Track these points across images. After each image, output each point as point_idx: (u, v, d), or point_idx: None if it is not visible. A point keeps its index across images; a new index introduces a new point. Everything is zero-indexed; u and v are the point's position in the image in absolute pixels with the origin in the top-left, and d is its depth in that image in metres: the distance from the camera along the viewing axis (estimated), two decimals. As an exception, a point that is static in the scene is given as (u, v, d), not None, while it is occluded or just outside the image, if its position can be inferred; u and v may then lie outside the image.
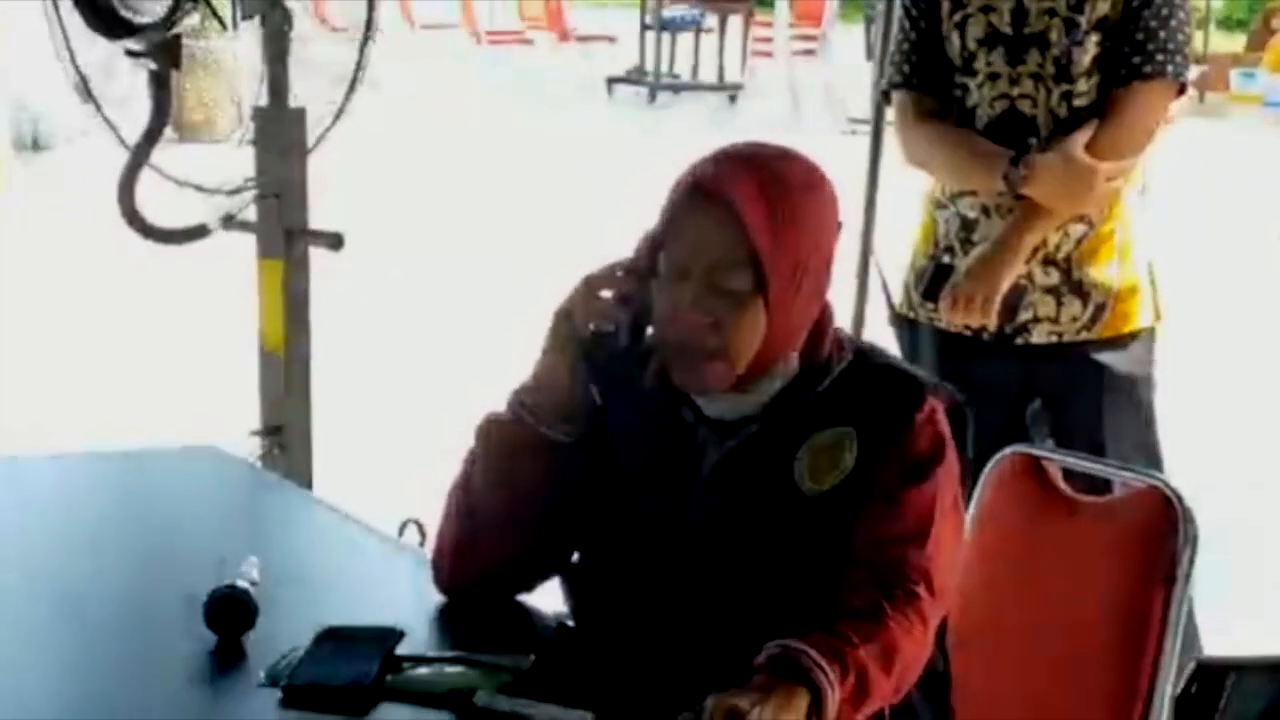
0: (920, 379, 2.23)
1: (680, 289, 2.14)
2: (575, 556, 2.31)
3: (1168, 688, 2.26)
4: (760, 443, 2.18)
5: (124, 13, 3.38)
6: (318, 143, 3.82)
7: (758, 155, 2.18)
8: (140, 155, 3.63)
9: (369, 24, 3.80)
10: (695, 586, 2.17)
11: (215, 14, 3.65)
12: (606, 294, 2.20)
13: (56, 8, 3.59)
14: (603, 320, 2.19)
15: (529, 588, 2.31)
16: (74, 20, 3.51)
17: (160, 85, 3.57)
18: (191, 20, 3.51)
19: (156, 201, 3.88)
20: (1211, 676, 1.34)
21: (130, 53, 3.54)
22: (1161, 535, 2.33)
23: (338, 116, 3.80)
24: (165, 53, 3.51)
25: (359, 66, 3.80)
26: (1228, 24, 20.20)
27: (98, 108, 3.74)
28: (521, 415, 2.23)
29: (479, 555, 2.25)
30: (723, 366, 2.14)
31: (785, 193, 2.13)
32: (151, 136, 3.62)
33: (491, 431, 2.25)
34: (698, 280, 2.13)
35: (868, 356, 2.25)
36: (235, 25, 3.56)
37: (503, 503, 2.24)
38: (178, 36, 3.52)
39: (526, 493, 2.23)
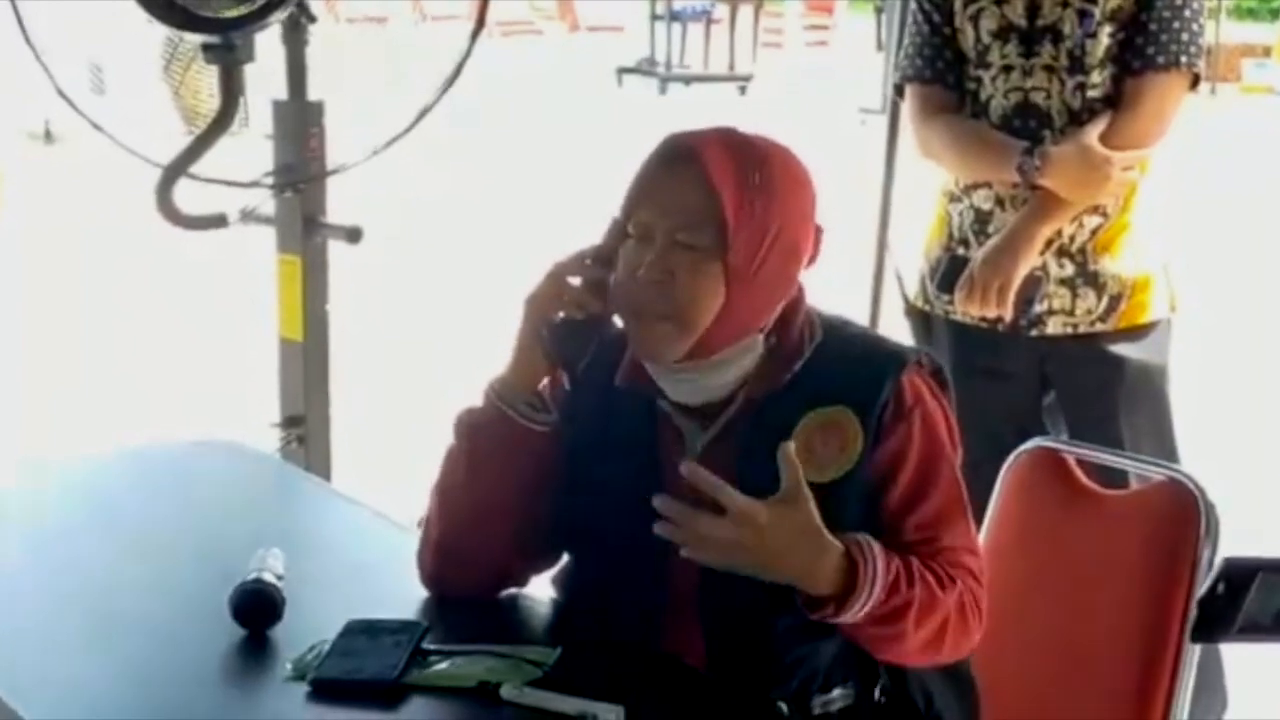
0: (898, 348, 2.20)
1: (642, 250, 2.12)
2: (563, 560, 2.29)
3: (1190, 679, 2.28)
4: (743, 431, 2.14)
5: (199, 9, 3.37)
6: (397, 139, 3.78)
7: (733, 129, 2.18)
8: (201, 145, 3.61)
9: (481, 16, 3.79)
10: (692, 591, 2.13)
11: (307, 11, 3.63)
12: (575, 281, 2.18)
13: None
14: (571, 307, 2.17)
15: (514, 584, 2.29)
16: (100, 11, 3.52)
17: (230, 79, 3.57)
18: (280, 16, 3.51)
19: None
20: (1239, 575, 1.36)
21: (206, 47, 3.54)
22: (1184, 528, 2.32)
23: (425, 111, 3.76)
24: (242, 49, 3.52)
25: (464, 58, 3.74)
26: (1238, 12, 20.15)
27: (90, 123, 3.74)
28: (497, 405, 2.21)
29: (459, 552, 2.23)
30: (672, 329, 2.10)
31: (758, 162, 2.11)
32: (216, 128, 3.61)
33: (468, 424, 2.23)
34: (661, 241, 2.11)
35: (840, 330, 2.21)
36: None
37: (481, 497, 2.21)
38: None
39: (504, 486, 2.20)
